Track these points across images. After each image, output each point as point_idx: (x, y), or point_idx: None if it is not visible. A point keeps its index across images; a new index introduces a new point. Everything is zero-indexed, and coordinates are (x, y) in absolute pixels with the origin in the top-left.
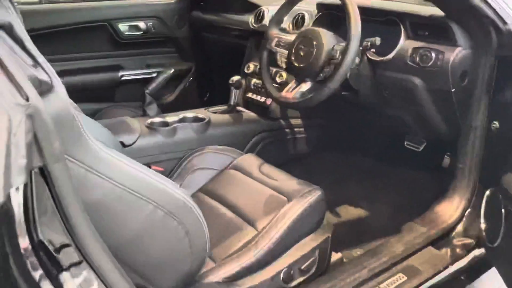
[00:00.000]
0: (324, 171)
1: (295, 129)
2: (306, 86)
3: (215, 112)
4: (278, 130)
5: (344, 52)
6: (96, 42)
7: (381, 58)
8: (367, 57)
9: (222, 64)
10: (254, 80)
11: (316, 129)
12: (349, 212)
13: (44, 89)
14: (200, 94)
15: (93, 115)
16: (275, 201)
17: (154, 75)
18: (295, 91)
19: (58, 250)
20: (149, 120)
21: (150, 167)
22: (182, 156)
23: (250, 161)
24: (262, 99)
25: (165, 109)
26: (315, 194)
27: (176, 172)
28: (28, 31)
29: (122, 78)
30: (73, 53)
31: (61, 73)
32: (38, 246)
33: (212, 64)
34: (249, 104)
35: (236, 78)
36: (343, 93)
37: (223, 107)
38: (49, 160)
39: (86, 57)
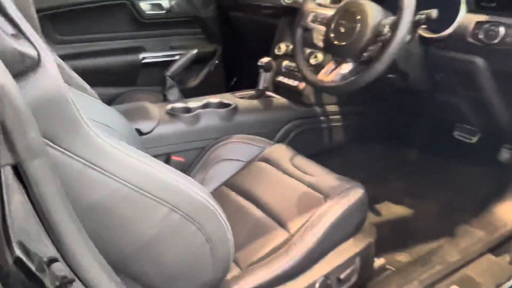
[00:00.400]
0: (363, 164)
1: (331, 117)
2: (347, 67)
3: (243, 98)
4: (311, 117)
5: (394, 26)
6: (116, 22)
7: (436, 35)
8: (419, 33)
9: (251, 46)
10: (285, 62)
11: (355, 116)
12: (392, 211)
13: (28, 65)
14: (226, 79)
15: (112, 100)
16: (310, 200)
17: (178, 57)
18: (334, 73)
19: (42, 267)
20: (169, 106)
21: (170, 158)
22: (205, 146)
23: (280, 152)
24: (295, 83)
25: (188, 94)
26: (357, 192)
27: (198, 163)
28: (45, 9)
29: (144, 61)
30: (92, 34)
31: (78, 55)
32: (16, 265)
33: (240, 46)
34: (280, 88)
35: (266, 59)
36: (388, 75)
37: (251, 92)
38: (24, 156)
39: (105, 38)
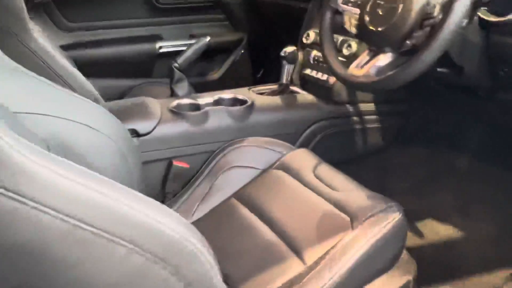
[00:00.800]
0: (402, 172)
1: (366, 117)
2: (385, 59)
3: (262, 93)
4: (342, 118)
5: (446, 7)
6: (130, 8)
7: (501, 19)
8: (479, 16)
9: (280, 34)
10: (314, 53)
11: (395, 117)
12: (437, 231)
13: None
14: (253, 70)
15: (125, 93)
16: (334, 223)
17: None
18: (368, 66)
19: None
20: (174, 102)
21: (171, 163)
22: (214, 150)
23: (303, 158)
24: (324, 77)
25: (208, 87)
26: (393, 216)
27: (205, 170)
28: None
29: (161, 50)
30: (103, 21)
31: (90, 44)
32: None
33: (268, 33)
34: (307, 83)
35: (289, 49)
36: (438, 69)
37: (272, 86)
38: None
39: (118, 26)
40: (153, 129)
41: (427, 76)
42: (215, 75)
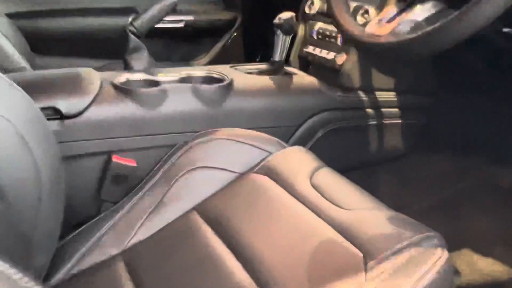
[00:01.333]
0: (426, 186)
1: (384, 110)
2: (422, 10)
3: (250, 73)
4: (352, 109)
5: None
6: None
7: None
8: None
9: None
10: (318, 26)
11: (419, 113)
12: (477, 266)
13: None
14: (248, 56)
15: None
16: (339, 261)
17: (181, 24)
18: (396, 21)
19: None
20: (123, 76)
21: (111, 159)
22: (173, 143)
23: (296, 160)
24: (330, 56)
25: None
26: (434, 257)
27: (159, 170)
28: None
29: None
30: None
31: (46, 14)
32: None
33: (267, 13)
34: (308, 64)
35: (285, 15)
36: (505, 30)
37: (262, 66)
38: None
39: None
40: (84, 110)
41: (482, 43)
42: (201, 61)
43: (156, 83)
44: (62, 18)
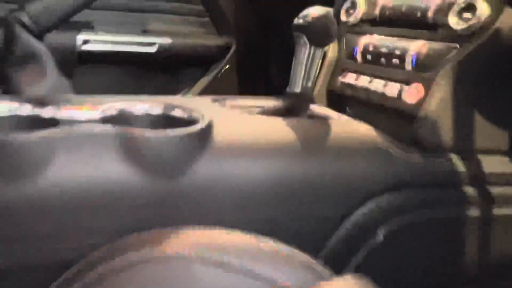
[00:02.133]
0: None
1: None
2: None
3: (249, 110)
4: (442, 187)
5: None
6: None
7: None
8: None
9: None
10: (366, 40)
11: None
12: None
13: None
14: (246, 88)
15: None
16: None
17: (153, 49)
18: None
19: None
20: None
21: None
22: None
23: None
24: (392, 89)
25: None
26: None
27: None
28: None
29: (84, 48)
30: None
31: None
32: None
33: (268, 37)
34: (344, 101)
35: (316, 11)
36: None
37: (270, 101)
38: None
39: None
40: None
41: None
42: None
43: (51, 123)
44: None
